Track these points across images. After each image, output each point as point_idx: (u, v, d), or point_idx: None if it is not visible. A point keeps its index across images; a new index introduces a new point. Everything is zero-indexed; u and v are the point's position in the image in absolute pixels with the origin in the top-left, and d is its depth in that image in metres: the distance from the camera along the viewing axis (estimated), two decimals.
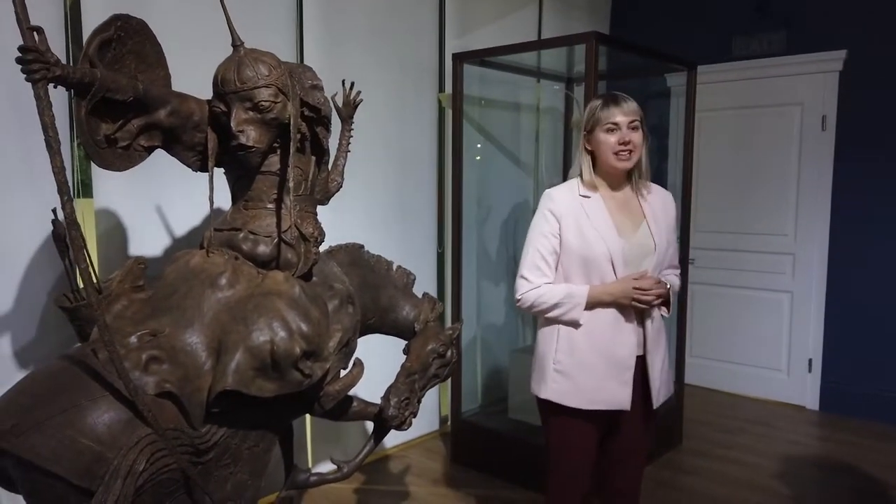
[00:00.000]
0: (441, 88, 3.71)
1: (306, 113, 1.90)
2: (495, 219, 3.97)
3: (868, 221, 4.11)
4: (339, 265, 2.15)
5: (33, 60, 1.39)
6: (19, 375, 1.98)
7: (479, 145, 3.80)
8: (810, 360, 4.36)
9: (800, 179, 4.33)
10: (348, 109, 2.26)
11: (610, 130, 1.97)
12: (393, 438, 3.42)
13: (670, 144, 4.16)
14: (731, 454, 3.66)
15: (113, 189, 2.43)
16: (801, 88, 4.29)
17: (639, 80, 4.38)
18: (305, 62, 2.96)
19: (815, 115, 4.25)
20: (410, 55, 3.54)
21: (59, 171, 1.39)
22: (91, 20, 2.26)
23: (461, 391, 3.49)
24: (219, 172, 1.95)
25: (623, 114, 1.96)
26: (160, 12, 2.38)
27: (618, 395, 1.99)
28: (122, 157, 1.79)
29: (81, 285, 1.70)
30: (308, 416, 2.92)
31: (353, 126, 2.28)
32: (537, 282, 2.03)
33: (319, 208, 2.09)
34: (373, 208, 3.40)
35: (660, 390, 2.07)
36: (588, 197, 2.03)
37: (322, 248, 2.08)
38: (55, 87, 1.48)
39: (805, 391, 4.40)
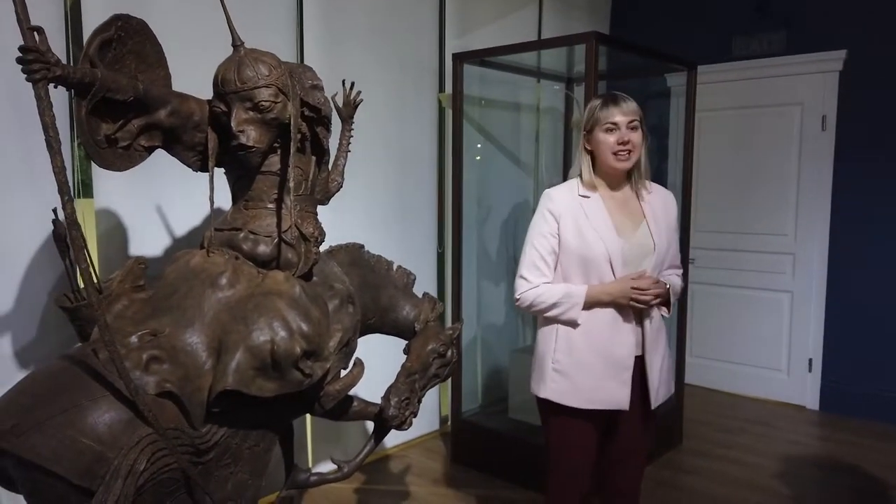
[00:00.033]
0: (441, 88, 3.71)
1: (306, 113, 1.90)
2: (495, 219, 3.97)
3: (868, 221, 4.11)
4: (340, 265, 2.15)
5: (34, 60, 1.39)
6: (20, 375, 1.98)
7: (479, 145, 3.80)
8: (810, 360, 4.36)
9: (800, 179, 4.33)
10: (348, 109, 2.26)
11: (609, 130, 1.97)
12: (393, 438, 3.42)
13: (670, 144, 4.16)
14: (731, 454, 3.66)
15: (113, 189, 2.43)
16: (801, 88, 4.29)
17: (639, 80, 4.38)
18: (305, 62, 2.96)
19: (815, 115, 4.25)
20: (410, 55, 3.54)
21: (59, 171, 1.39)
22: (91, 20, 2.26)
23: (461, 391, 3.49)
24: (219, 172, 1.95)
25: (622, 114, 1.96)
26: (160, 12, 2.38)
27: (616, 395, 1.99)
28: (123, 157, 1.80)
29: (82, 285, 1.71)
30: (308, 416, 2.92)
31: (353, 126, 2.28)
32: (536, 281, 2.04)
33: (319, 208, 2.09)
34: (373, 208, 3.40)
35: (659, 390, 2.07)
36: (587, 197, 2.03)
37: (322, 248, 2.08)
38: (55, 87, 1.48)
39: (805, 391, 4.40)
